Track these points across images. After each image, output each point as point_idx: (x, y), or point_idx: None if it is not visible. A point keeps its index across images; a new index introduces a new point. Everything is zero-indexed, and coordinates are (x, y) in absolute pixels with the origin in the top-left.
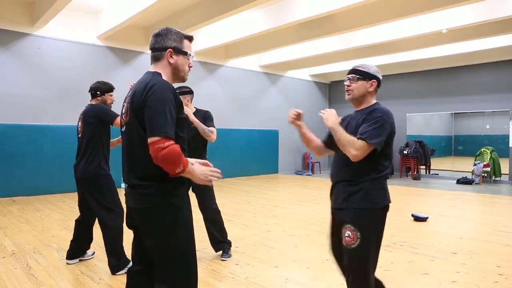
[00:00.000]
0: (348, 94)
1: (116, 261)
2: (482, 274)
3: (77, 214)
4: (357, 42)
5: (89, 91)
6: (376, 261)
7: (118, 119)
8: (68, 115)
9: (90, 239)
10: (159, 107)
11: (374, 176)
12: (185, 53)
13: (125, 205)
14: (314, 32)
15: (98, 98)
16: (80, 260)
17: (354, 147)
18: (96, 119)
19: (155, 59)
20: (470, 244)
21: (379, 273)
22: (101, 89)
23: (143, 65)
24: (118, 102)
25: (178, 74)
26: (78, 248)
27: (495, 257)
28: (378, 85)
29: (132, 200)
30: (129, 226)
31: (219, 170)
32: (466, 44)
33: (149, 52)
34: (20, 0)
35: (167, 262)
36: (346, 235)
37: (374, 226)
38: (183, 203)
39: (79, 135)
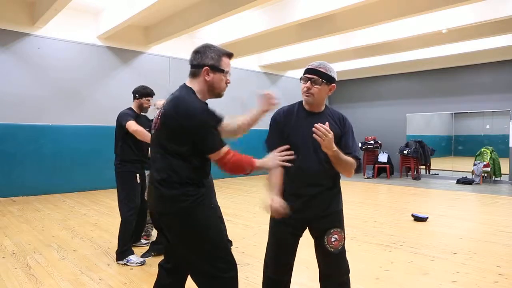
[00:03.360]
0: (307, 96)
1: (119, 250)
2: (482, 274)
3: (77, 214)
4: (357, 42)
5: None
6: None
7: (130, 123)
8: (68, 115)
9: (141, 227)
10: (201, 131)
11: (339, 177)
12: (222, 71)
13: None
14: (314, 32)
15: (136, 100)
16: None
17: (354, 168)
18: (117, 121)
19: (193, 75)
20: (470, 244)
21: (379, 273)
22: (139, 92)
23: (143, 65)
24: (120, 102)
25: (213, 91)
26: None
27: (495, 257)
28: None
29: (156, 204)
30: (156, 228)
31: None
32: (466, 44)
33: (149, 52)
34: (20, 0)
35: (196, 261)
36: (333, 239)
37: None
38: (203, 204)
39: None
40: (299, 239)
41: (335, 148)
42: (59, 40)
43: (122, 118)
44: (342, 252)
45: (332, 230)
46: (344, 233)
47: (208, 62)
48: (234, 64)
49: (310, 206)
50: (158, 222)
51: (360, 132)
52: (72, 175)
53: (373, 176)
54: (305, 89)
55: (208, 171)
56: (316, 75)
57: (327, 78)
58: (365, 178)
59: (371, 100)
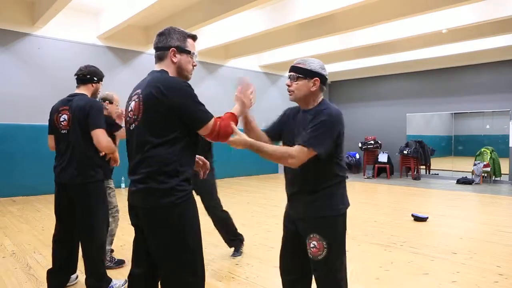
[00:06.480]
0: (290, 95)
1: (97, 283)
2: (482, 274)
3: None
4: (357, 42)
5: (81, 75)
6: (345, 266)
7: (99, 132)
8: None
9: (74, 260)
10: (189, 102)
11: (334, 181)
12: (188, 52)
13: (128, 203)
14: (314, 32)
15: (94, 84)
16: None
17: (290, 155)
18: (85, 116)
19: (159, 58)
20: (470, 244)
21: (379, 273)
22: (98, 75)
23: (143, 65)
24: (120, 102)
25: (181, 73)
26: (61, 277)
27: (495, 257)
28: (323, 83)
29: (138, 199)
30: (133, 225)
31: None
32: (466, 44)
33: (149, 52)
34: (20, 0)
35: (174, 263)
36: (312, 246)
37: (339, 232)
38: (190, 202)
39: (63, 132)
40: (303, 240)
41: (246, 142)
42: (59, 40)
43: (99, 117)
44: (325, 262)
45: (311, 235)
46: (326, 243)
47: (174, 43)
48: (234, 64)
49: (290, 206)
50: (136, 220)
51: (360, 132)
52: None
53: (373, 176)
54: (287, 88)
55: (193, 163)
56: (293, 71)
57: (305, 73)
58: (365, 178)
59: (371, 100)
